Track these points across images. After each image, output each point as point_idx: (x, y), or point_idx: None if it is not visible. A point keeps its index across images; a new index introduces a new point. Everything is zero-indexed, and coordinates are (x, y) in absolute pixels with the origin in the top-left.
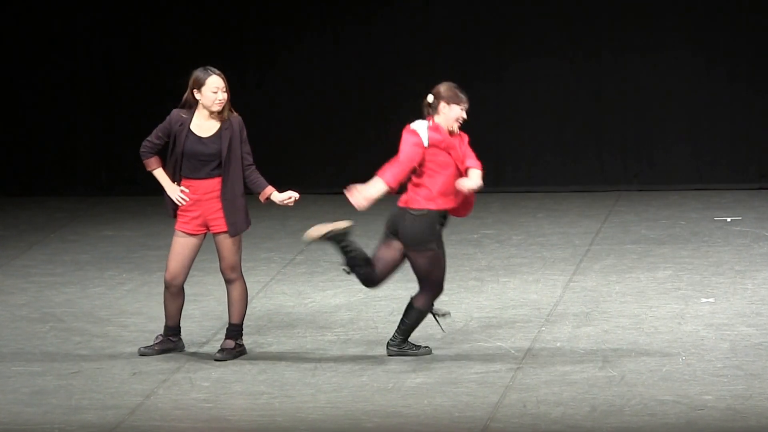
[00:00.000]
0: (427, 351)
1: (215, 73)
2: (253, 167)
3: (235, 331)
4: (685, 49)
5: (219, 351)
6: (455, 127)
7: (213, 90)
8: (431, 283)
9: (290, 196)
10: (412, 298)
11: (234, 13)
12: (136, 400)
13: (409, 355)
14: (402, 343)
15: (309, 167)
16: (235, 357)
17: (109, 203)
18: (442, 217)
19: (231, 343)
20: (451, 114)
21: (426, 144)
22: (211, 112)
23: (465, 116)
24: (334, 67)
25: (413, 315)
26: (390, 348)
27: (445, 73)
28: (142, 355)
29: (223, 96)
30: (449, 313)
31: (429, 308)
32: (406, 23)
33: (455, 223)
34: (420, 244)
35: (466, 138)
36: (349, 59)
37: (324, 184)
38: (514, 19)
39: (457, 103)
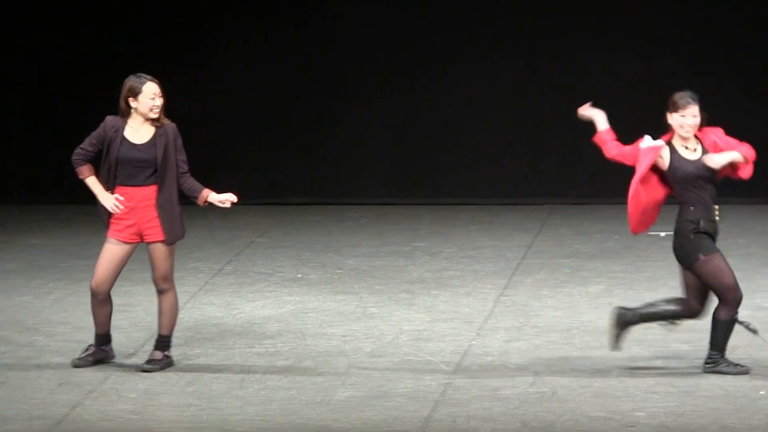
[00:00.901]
0: (746, 370)
1: (150, 80)
2: (188, 174)
3: (164, 342)
4: (621, 60)
5: (147, 362)
6: (685, 133)
7: (150, 97)
8: (722, 290)
9: (228, 197)
10: (714, 312)
11: (167, 19)
12: (62, 410)
13: (724, 373)
14: (720, 360)
15: (239, 177)
16: (162, 368)
17: (38, 211)
18: (692, 222)
19: (159, 354)
20: (674, 123)
21: (649, 157)
22: (146, 119)
23: (689, 122)
24: (266, 76)
25: (719, 328)
26: (706, 366)
27: (378, 82)
28: (75, 366)
29: (159, 102)
30: (757, 331)
31: (733, 317)
32: (342, 30)
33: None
34: (684, 260)
35: (713, 133)
36: (282, 67)
37: (254, 195)
38: (451, 31)
39: (675, 111)
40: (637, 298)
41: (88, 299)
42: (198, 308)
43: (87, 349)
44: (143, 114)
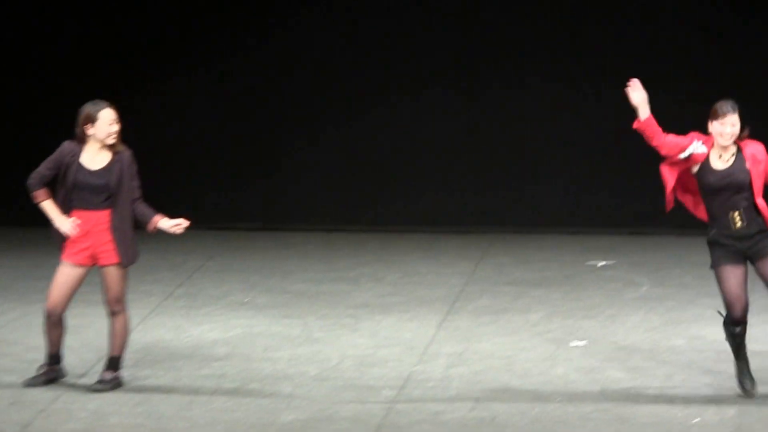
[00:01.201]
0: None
1: (107, 106)
2: (141, 200)
3: (114, 363)
4: (562, 90)
5: (97, 382)
6: (724, 141)
7: (108, 123)
8: (724, 304)
9: (179, 222)
10: None
11: (122, 46)
12: (13, 429)
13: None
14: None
15: (191, 202)
16: (112, 388)
17: None
18: (709, 233)
19: (109, 375)
20: (714, 131)
21: (687, 153)
22: (103, 145)
23: (727, 131)
24: (217, 104)
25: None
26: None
27: (324, 111)
28: (28, 386)
29: (116, 128)
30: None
31: (726, 330)
32: (293, 59)
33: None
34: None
35: (754, 146)
36: (232, 95)
37: (204, 220)
38: (394, 56)
39: (715, 119)
40: (575, 326)
41: (40, 320)
42: (148, 330)
43: (40, 368)
44: (100, 140)
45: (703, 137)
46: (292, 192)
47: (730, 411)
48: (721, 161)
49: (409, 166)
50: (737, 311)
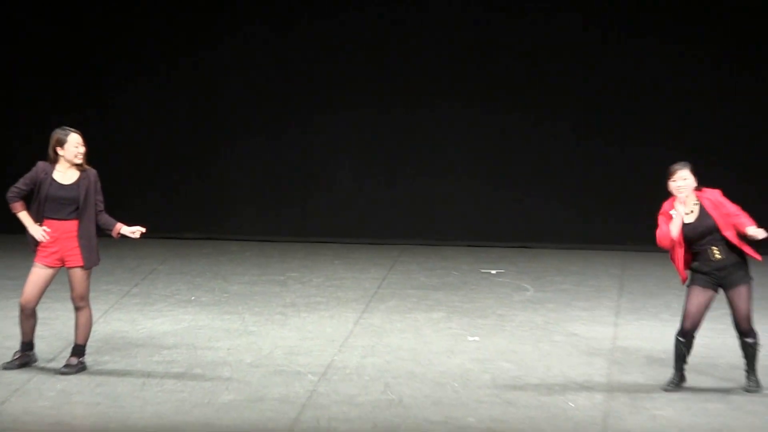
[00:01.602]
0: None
1: (74, 132)
2: (104, 212)
3: (79, 350)
4: (472, 113)
5: (64, 366)
6: (680, 194)
7: (75, 145)
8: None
9: (137, 229)
10: None
11: (73, 64)
12: None
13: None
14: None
15: (144, 216)
16: (77, 372)
17: None
18: (703, 264)
19: (74, 360)
20: (672, 189)
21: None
22: (72, 165)
23: (679, 185)
24: (167, 124)
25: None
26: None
27: (261, 120)
28: (4, 369)
29: (82, 150)
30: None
31: (677, 338)
32: (233, 75)
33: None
34: None
35: (711, 193)
36: (180, 115)
37: (156, 230)
38: (320, 74)
39: (669, 179)
40: (471, 324)
41: (16, 313)
42: (108, 323)
43: (15, 354)
44: (69, 160)
45: (669, 203)
46: (230, 207)
47: (599, 396)
48: (688, 216)
49: (330, 184)
50: (687, 325)
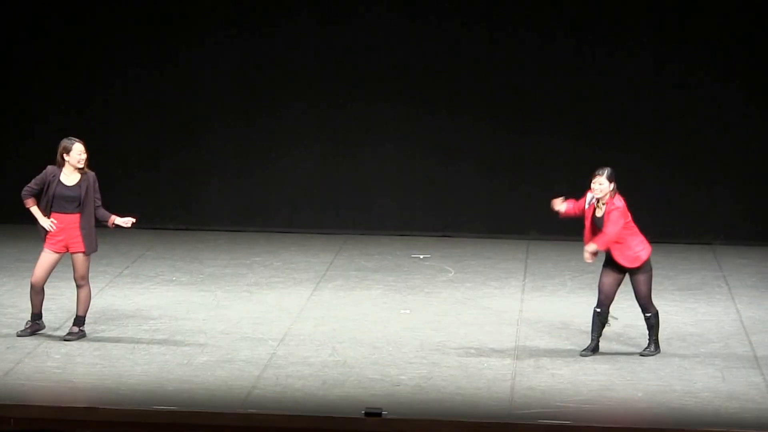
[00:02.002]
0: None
1: (78, 141)
2: (101, 206)
3: (80, 320)
4: (396, 106)
5: (68, 334)
6: (594, 194)
7: (78, 153)
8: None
9: (129, 219)
10: None
11: (59, 63)
12: (9, 365)
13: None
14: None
15: (134, 209)
16: (78, 338)
17: None
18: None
19: (76, 329)
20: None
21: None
22: (75, 169)
23: (595, 187)
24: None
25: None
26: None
27: (221, 117)
28: (19, 336)
29: (84, 156)
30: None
31: (595, 310)
32: (197, 75)
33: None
34: None
35: (614, 202)
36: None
37: (144, 222)
38: (272, 67)
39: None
40: (403, 300)
41: (28, 290)
42: (104, 298)
43: (27, 324)
44: (73, 165)
45: (589, 192)
46: (205, 202)
47: (508, 359)
48: (598, 211)
49: (286, 178)
50: (602, 298)
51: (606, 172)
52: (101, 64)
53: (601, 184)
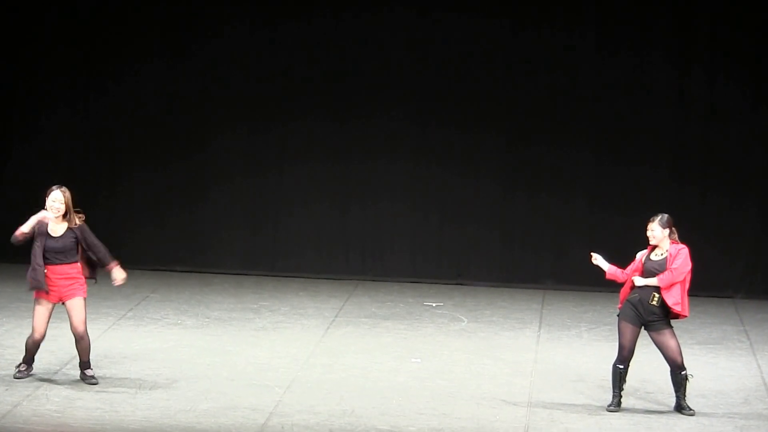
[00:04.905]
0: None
1: (58, 189)
2: (102, 249)
3: (86, 364)
4: (410, 153)
5: (90, 377)
6: (651, 240)
7: (52, 200)
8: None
9: (122, 277)
10: None
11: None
12: (6, 408)
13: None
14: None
15: (140, 250)
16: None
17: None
18: (641, 300)
19: (90, 372)
20: None
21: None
22: (56, 217)
23: (648, 234)
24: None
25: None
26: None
27: (230, 160)
28: (17, 378)
29: (59, 206)
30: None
31: (616, 366)
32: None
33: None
34: None
35: (676, 247)
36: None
37: (148, 263)
38: (282, 114)
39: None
40: (414, 348)
41: (28, 331)
42: (107, 341)
43: (20, 366)
44: (48, 209)
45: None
46: (212, 245)
47: (521, 411)
48: (654, 256)
49: (296, 226)
50: (625, 354)
51: (658, 218)
52: (111, 97)
53: (653, 230)
